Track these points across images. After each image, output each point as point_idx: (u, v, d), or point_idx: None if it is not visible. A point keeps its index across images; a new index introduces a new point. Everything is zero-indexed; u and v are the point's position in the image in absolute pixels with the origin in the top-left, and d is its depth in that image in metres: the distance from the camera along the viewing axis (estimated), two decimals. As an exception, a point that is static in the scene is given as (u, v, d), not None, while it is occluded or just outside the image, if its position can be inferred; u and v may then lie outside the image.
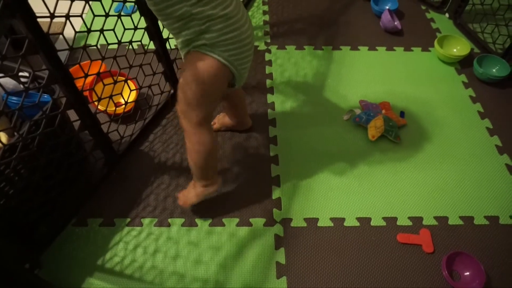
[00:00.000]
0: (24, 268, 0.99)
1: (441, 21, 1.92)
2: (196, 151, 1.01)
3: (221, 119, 1.36)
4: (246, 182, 1.23)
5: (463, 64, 1.69)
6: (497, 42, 1.72)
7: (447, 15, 1.95)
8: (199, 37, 0.82)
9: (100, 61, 1.05)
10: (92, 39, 1.55)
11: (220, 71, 0.87)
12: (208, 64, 0.85)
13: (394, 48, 1.77)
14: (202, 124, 0.96)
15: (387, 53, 1.75)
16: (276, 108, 1.48)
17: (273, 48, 1.73)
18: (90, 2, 0.91)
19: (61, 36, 0.89)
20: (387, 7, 1.88)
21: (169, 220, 1.16)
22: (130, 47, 1.16)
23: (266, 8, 1.95)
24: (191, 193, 1.12)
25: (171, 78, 1.42)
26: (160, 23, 0.91)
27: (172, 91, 1.46)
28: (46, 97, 1.02)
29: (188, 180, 1.23)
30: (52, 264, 1.06)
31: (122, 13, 1.05)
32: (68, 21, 0.86)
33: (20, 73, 1.05)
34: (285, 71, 1.63)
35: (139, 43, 1.20)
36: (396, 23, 1.82)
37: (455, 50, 1.72)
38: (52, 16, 0.81)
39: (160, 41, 1.26)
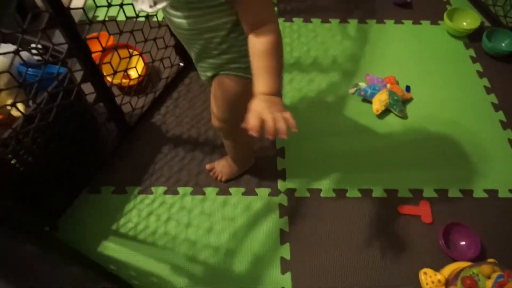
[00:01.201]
0: (44, 229, 1.07)
1: (452, -7, 1.90)
2: (239, 148, 1.12)
3: None
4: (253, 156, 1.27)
5: (472, 38, 1.68)
6: (509, 16, 1.70)
7: (459, -13, 1.91)
8: (236, 60, 0.82)
9: (107, 33, 1.07)
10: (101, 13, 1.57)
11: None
12: (245, 86, 0.85)
13: (403, 21, 1.76)
14: (241, 128, 1.02)
15: (395, 26, 1.74)
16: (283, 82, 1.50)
17: (281, 21, 1.72)
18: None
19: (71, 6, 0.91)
20: (398, -21, 1.85)
21: (178, 189, 1.21)
22: (141, 20, 1.18)
23: (274, -21, 1.93)
24: (228, 169, 1.21)
25: (181, 51, 1.44)
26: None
27: (182, 64, 1.48)
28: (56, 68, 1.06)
29: (204, 153, 1.29)
30: (68, 228, 1.13)
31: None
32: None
33: (32, 45, 1.08)
34: (293, 43, 1.63)
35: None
36: (406, -5, 1.80)
37: (464, 23, 1.70)
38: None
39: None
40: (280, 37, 0.69)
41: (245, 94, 0.90)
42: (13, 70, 1.00)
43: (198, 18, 0.73)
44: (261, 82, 0.68)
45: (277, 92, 0.68)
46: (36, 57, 1.05)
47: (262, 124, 0.63)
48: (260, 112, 0.64)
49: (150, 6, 0.67)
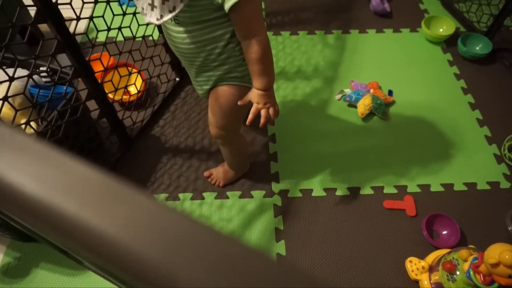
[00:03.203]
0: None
1: (429, 2, 2.01)
2: (235, 155, 1.21)
3: None
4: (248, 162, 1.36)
5: (449, 43, 1.79)
6: (481, 21, 1.81)
7: (435, -5, 2.04)
8: (233, 70, 0.92)
9: (108, 54, 1.17)
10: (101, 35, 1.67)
11: None
12: (241, 94, 0.94)
13: (384, 30, 1.87)
14: (238, 134, 1.14)
15: (377, 35, 1.85)
16: (273, 91, 1.60)
17: (269, 34, 1.84)
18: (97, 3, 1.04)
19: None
20: (377, -9, 1.97)
21: (180, 195, 1.30)
22: (139, 40, 1.29)
23: (261, -5, 2.05)
24: (225, 175, 1.30)
25: (177, 67, 1.55)
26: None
27: (177, 79, 1.59)
28: (63, 88, 1.15)
29: (200, 160, 1.38)
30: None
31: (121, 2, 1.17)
32: (91, 21, 0.99)
33: (42, 68, 1.18)
34: (281, 55, 1.74)
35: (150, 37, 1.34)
36: (386, 5, 1.92)
37: (441, 30, 1.82)
38: (78, 18, 0.93)
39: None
40: (268, 45, 0.82)
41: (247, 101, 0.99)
42: (25, 92, 1.10)
43: (200, 31, 0.83)
44: (255, 81, 0.86)
45: (268, 87, 0.86)
46: (44, 79, 1.15)
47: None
48: (252, 100, 0.88)
49: (157, 19, 0.76)
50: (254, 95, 0.87)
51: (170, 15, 0.74)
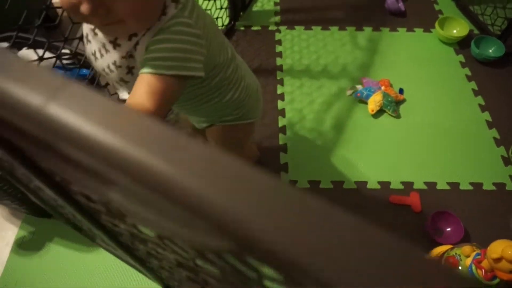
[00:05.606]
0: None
1: (444, 3, 2.02)
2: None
3: None
4: (257, 149, 1.39)
5: (462, 45, 1.80)
6: (496, 24, 1.82)
7: (450, -3, 2.04)
8: (229, 113, 0.88)
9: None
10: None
11: (251, 127, 0.98)
12: (241, 130, 0.95)
13: (397, 29, 1.89)
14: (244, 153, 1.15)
15: (390, 34, 1.86)
16: (285, 84, 1.62)
17: (283, 28, 1.85)
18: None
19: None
20: (393, -10, 1.98)
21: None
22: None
23: (277, -10, 2.06)
24: None
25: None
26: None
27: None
28: (85, 71, 1.19)
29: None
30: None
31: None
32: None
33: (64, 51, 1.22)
34: (294, 50, 1.76)
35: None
36: (400, 4, 1.93)
37: (454, 31, 1.83)
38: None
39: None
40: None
41: (248, 133, 1.00)
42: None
43: None
44: None
45: None
46: (65, 62, 1.19)
47: None
48: None
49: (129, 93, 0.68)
50: None
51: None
